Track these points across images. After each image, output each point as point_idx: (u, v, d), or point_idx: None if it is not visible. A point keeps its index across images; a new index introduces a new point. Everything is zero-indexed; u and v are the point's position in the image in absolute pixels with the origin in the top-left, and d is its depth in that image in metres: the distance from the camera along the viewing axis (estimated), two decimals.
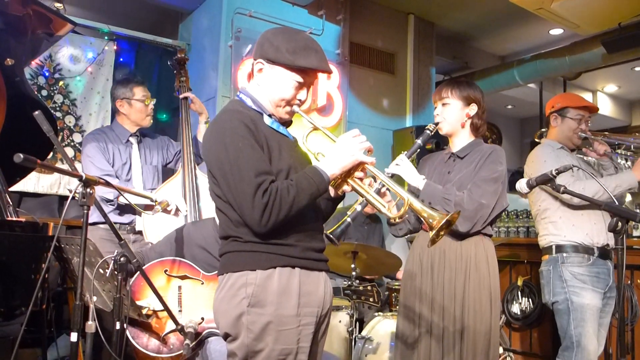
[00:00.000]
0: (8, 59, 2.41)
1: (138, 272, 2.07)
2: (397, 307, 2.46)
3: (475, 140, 2.35)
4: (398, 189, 1.72)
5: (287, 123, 1.78)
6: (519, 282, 3.96)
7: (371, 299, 2.83)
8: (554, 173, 2.04)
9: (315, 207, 1.71)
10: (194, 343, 2.20)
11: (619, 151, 2.96)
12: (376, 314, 3.24)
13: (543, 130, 3.09)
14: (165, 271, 2.37)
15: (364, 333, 3.09)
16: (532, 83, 6.99)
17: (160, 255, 2.45)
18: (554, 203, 2.79)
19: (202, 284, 2.37)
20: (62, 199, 4.14)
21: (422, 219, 1.70)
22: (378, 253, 3.31)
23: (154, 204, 2.60)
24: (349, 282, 2.96)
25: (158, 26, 5.17)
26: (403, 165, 2.23)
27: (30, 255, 2.05)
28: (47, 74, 4.13)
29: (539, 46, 6.20)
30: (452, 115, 2.31)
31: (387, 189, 1.77)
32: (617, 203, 2.07)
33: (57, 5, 4.28)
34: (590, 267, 2.69)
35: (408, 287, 2.30)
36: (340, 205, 1.90)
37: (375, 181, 1.77)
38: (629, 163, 2.96)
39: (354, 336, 2.94)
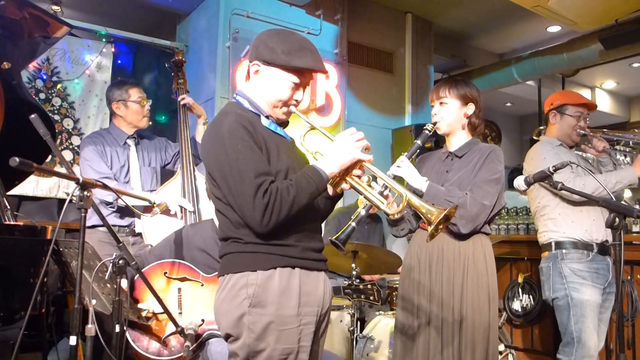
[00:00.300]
0: (5, 63, 2.41)
1: (137, 274, 2.07)
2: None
3: (473, 139, 2.35)
4: (396, 186, 1.73)
5: (284, 124, 1.79)
6: (520, 279, 3.96)
7: (371, 298, 2.83)
8: (551, 170, 2.05)
9: (313, 206, 1.72)
10: (194, 345, 2.20)
11: (617, 147, 2.96)
12: (377, 312, 3.24)
13: (542, 127, 3.09)
14: (165, 273, 2.36)
15: (365, 332, 3.09)
16: (531, 80, 6.99)
17: (160, 258, 2.45)
18: (553, 200, 2.79)
19: (202, 285, 2.37)
20: (61, 202, 4.14)
21: (420, 214, 1.70)
22: (379, 252, 3.31)
23: (152, 206, 2.60)
24: (350, 281, 2.96)
25: (156, 28, 5.17)
26: (405, 167, 2.23)
27: (29, 259, 2.04)
28: (44, 77, 4.13)
29: (537, 43, 6.20)
30: (450, 114, 2.30)
31: (387, 187, 1.77)
32: (614, 199, 2.07)
33: (54, 8, 4.30)
34: (590, 263, 2.70)
35: (406, 282, 2.31)
36: (339, 204, 1.90)
37: (376, 182, 1.77)
38: (628, 159, 2.96)
39: (355, 335, 2.94)
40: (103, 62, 4.36)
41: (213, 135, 1.63)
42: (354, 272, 2.97)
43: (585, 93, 7.80)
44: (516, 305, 3.98)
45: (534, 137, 3.07)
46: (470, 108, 2.32)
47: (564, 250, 2.73)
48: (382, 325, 3.09)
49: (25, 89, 2.69)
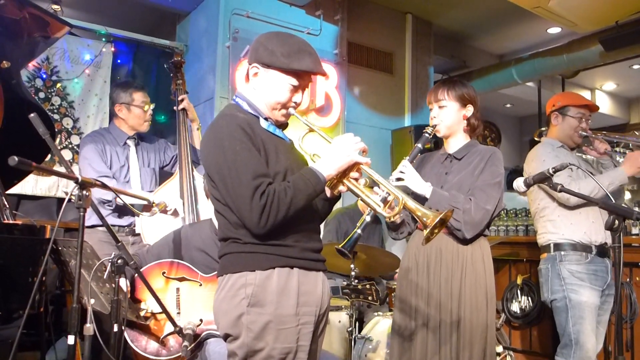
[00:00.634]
0: (4, 62, 2.41)
1: (136, 274, 2.07)
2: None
3: (471, 141, 2.35)
4: (392, 189, 1.74)
5: (283, 125, 1.80)
6: (519, 281, 3.96)
7: (370, 298, 2.83)
8: (551, 172, 2.05)
9: (312, 208, 1.73)
10: (192, 345, 2.20)
11: (617, 149, 2.97)
12: (375, 313, 3.24)
13: (543, 129, 3.09)
14: (163, 273, 2.36)
15: (363, 333, 3.09)
16: (531, 82, 6.99)
17: (158, 257, 2.45)
18: (552, 202, 2.80)
19: (201, 285, 2.37)
20: (61, 201, 4.12)
21: (416, 217, 1.71)
22: (377, 253, 3.31)
23: (151, 205, 2.60)
24: (348, 282, 2.96)
25: (155, 28, 5.17)
26: (408, 172, 2.21)
27: (28, 258, 2.04)
28: (44, 76, 4.13)
29: (537, 44, 6.20)
30: (450, 117, 2.30)
31: (388, 193, 1.77)
32: (614, 201, 2.07)
33: (54, 7, 4.29)
34: (588, 265, 2.70)
35: (404, 283, 2.31)
36: (339, 205, 1.90)
37: (379, 186, 1.78)
38: None
39: (353, 336, 2.94)
40: (103, 61, 4.35)
41: (212, 137, 1.65)
42: (353, 273, 2.97)
43: (585, 94, 7.81)
44: (515, 307, 3.98)
45: (536, 139, 3.07)
46: (469, 110, 2.31)
47: (562, 252, 2.73)
48: (380, 326, 3.09)
49: (25, 88, 2.69)
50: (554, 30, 5.99)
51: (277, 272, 1.61)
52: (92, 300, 2.03)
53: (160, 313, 2.25)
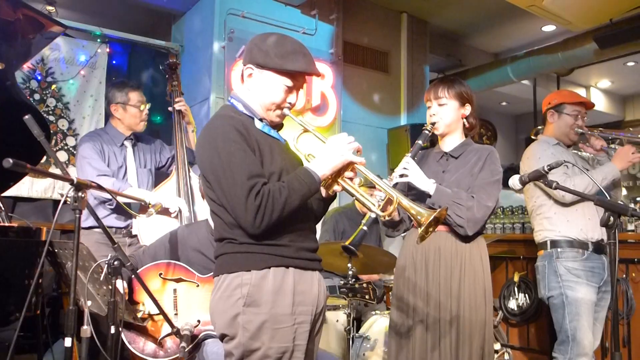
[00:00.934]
0: None
1: (132, 275, 2.07)
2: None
3: (467, 139, 2.37)
4: (386, 188, 1.75)
5: (278, 126, 1.81)
6: (515, 278, 3.97)
7: (367, 297, 2.83)
8: (546, 169, 2.06)
9: (307, 207, 1.73)
10: (190, 346, 2.20)
11: (613, 146, 2.98)
12: (373, 312, 3.25)
13: (539, 127, 3.10)
14: (160, 274, 2.36)
15: (361, 331, 3.10)
16: (526, 80, 7.01)
17: (154, 258, 2.44)
18: (548, 199, 2.80)
19: (198, 286, 2.37)
20: (57, 203, 4.11)
21: (410, 216, 1.71)
22: (375, 252, 3.31)
23: (147, 206, 2.59)
24: (345, 281, 2.96)
25: (150, 28, 5.16)
26: (412, 168, 2.21)
27: (24, 261, 2.04)
28: (39, 77, 4.12)
29: (532, 43, 6.22)
30: (449, 115, 2.30)
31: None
32: (608, 197, 2.08)
33: (49, 8, 4.28)
34: (585, 262, 2.71)
35: (401, 281, 2.31)
36: (334, 204, 1.90)
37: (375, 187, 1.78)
38: None
39: (351, 335, 2.95)
40: (98, 62, 4.34)
41: (207, 138, 1.66)
42: (350, 272, 2.97)
43: (581, 92, 7.83)
44: (512, 304, 3.99)
45: (532, 137, 3.08)
46: (467, 109, 2.33)
47: (559, 249, 2.74)
48: (377, 325, 3.09)
49: (20, 89, 2.68)
50: (549, 28, 6.00)
51: (273, 272, 1.61)
52: (89, 302, 2.02)
53: (157, 314, 2.25)
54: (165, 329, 2.27)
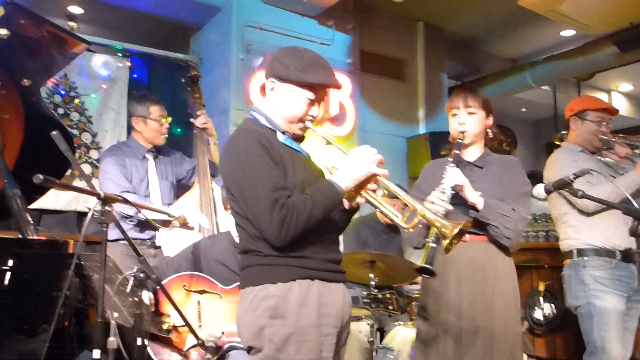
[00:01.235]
0: (25, 80, 2.45)
1: (157, 287, 2.08)
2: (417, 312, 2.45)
3: (487, 149, 2.36)
4: (410, 200, 1.74)
5: (299, 139, 1.81)
6: (541, 287, 3.91)
7: (390, 307, 2.81)
8: (571, 178, 2.03)
9: (330, 219, 1.73)
10: (215, 358, 2.20)
11: (636, 151, 2.92)
12: (396, 323, 3.22)
13: (563, 132, 3.05)
14: (184, 286, 2.37)
15: (384, 343, 3.07)
16: (545, 85, 6.93)
17: (177, 269, 2.46)
18: (572, 208, 2.76)
19: (221, 297, 2.37)
20: (80, 215, 4.18)
21: (435, 228, 1.70)
22: (397, 262, 3.28)
23: (171, 219, 2.61)
24: (368, 291, 2.94)
25: (170, 41, 5.23)
26: (464, 181, 2.12)
27: (51, 273, 2.06)
28: (62, 92, 4.20)
29: (551, 48, 6.16)
30: (478, 125, 2.27)
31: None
32: (635, 204, 2.04)
33: (71, 24, 4.38)
34: (612, 271, 2.65)
35: (429, 292, 2.28)
36: (356, 215, 1.90)
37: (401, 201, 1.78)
38: None
39: (375, 346, 2.92)
40: (119, 76, 4.42)
41: (230, 152, 1.67)
42: (372, 282, 2.95)
43: (602, 97, 7.71)
44: (538, 314, 3.92)
45: (556, 142, 3.03)
46: (491, 119, 2.33)
47: (585, 258, 2.69)
48: (401, 336, 3.07)
49: (45, 104, 2.74)
50: (568, 32, 5.94)
51: (298, 284, 1.62)
52: (115, 314, 2.04)
53: (182, 326, 2.26)
54: (190, 340, 2.27)
